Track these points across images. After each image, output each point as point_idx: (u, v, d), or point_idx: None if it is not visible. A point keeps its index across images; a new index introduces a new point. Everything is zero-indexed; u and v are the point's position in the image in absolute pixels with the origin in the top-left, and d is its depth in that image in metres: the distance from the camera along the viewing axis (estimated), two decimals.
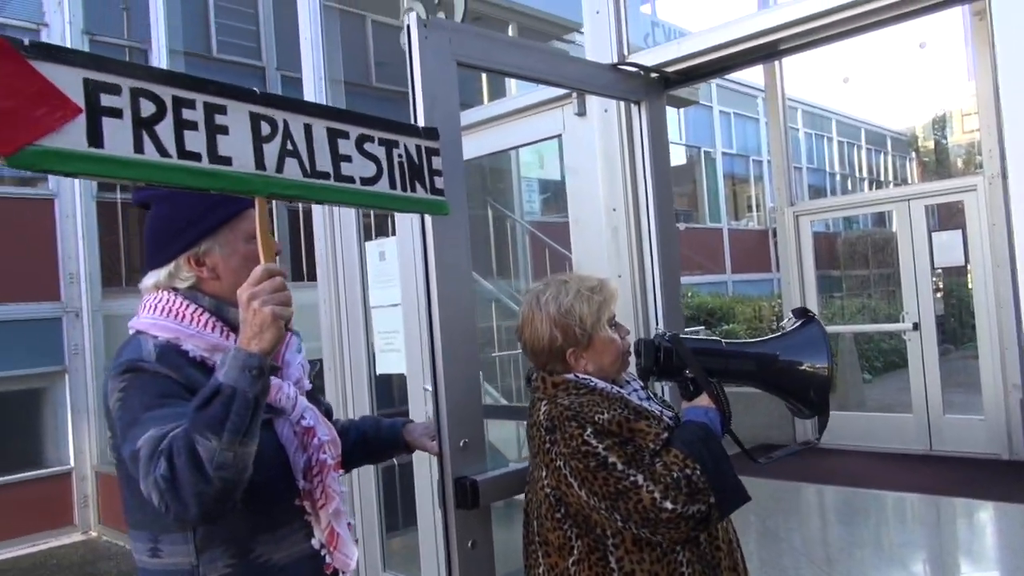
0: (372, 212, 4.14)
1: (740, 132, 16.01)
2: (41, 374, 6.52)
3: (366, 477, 3.76)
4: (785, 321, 1.82)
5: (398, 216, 3.59)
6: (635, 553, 1.57)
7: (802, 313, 1.79)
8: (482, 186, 7.26)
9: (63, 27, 6.57)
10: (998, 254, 6.27)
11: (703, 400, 1.68)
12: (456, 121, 1.85)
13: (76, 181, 6.50)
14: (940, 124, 20.35)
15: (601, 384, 1.69)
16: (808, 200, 7.72)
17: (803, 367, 1.71)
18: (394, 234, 3.67)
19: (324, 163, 1.42)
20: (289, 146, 1.36)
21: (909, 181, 21.28)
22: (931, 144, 21.16)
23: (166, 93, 1.22)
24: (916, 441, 6.76)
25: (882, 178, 20.56)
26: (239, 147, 1.29)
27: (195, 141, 1.24)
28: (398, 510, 4.53)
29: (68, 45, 6.50)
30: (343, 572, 1.56)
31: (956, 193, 6.84)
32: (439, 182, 1.63)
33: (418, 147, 1.60)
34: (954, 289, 10.79)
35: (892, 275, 12.80)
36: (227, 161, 1.28)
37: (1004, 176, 6.31)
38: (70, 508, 6.49)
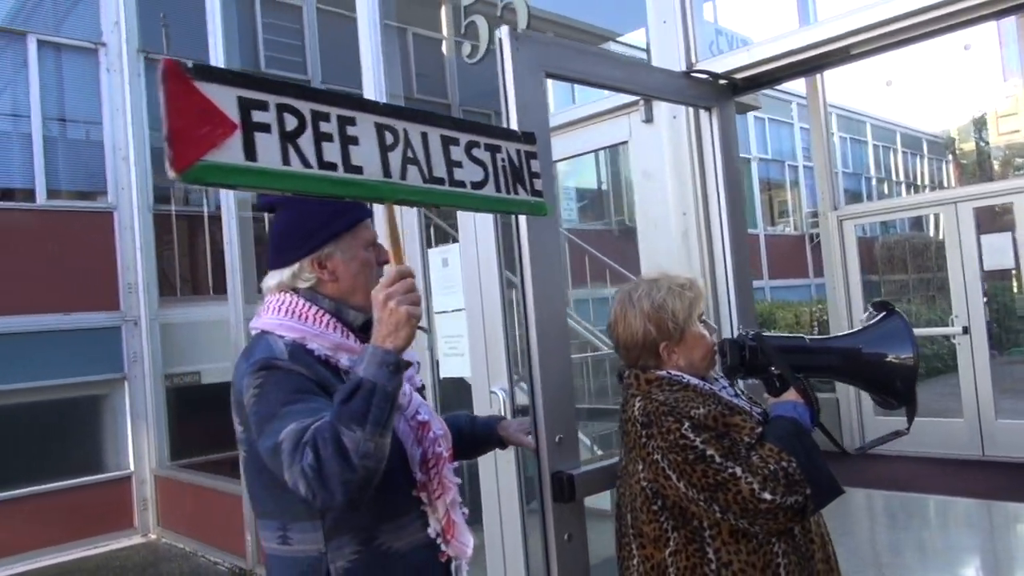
0: (447, 218, 4.24)
1: (775, 137, 15.93)
2: (102, 381, 6.72)
3: None
4: (865, 315, 1.87)
5: (460, 223, 3.68)
6: (732, 544, 1.61)
7: (882, 306, 1.84)
8: None
9: (120, 46, 6.79)
10: None
11: (790, 395, 1.73)
12: (546, 127, 1.94)
13: (134, 194, 6.71)
14: (978, 126, 20.07)
15: (694, 380, 1.75)
16: (845, 205, 7.70)
17: (888, 358, 1.76)
18: (456, 241, 3.75)
19: (440, 169, 1.48)
20: (410, 154, 1.43)
21: (946, 185, 21.00)
22: (969, 146, 20.87)
23: (305, 108, 1.29)
24: (968, 446, 6.69)
25: (919, 182, 20.32)
26: (368, 156, 1.36)
27: (331, 152, 1.31)
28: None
29: (125, 63, 6.73)
30: (457, 559, 1.63)
31: (1005, 195, 6.78)
32: (538, 184, 1.69)
33: (518, 151, 1.66)
34: (997, 293, 10.66)
35: (931, 280, 12.65)
36: (359, 170, 1.34)
37: None
38: (130, 511, 6.67)
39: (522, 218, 1.85)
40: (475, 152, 1.56)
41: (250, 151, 1.21)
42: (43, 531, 6.15)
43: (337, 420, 1.31)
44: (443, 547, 1.59)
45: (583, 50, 2.09)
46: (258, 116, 1.23)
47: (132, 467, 6.73)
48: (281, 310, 1.59)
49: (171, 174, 1.14)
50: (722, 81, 2.54)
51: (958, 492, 5.84)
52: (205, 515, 6.08)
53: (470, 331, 3.61)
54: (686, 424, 1.61)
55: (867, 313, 1.84)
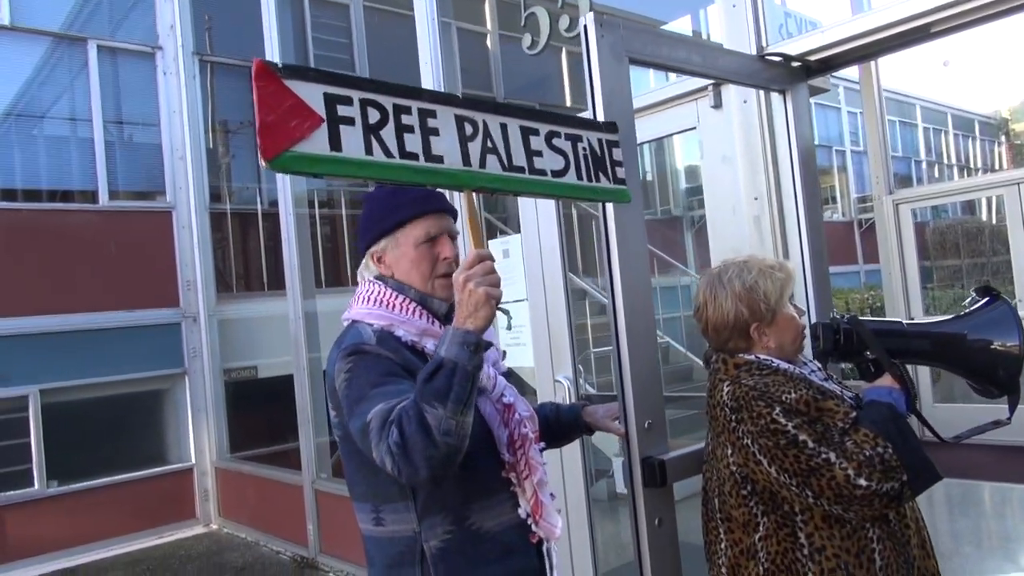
0: (492, 211, 4.27)
1: (821, 122, 15.65)
2: (163, 376, 6.90)
3: None
4: (967, 300, 1.83)
5: (522, 214, 3.70)
6: (825, 529, 1.60)
7: (985, 291, 1.80)
8: None
9: (176, 50, 6.93)
10: None
11: (885, 380, 1.71)
12: (630, 114, 1.93)
13: (191, 193, 6.86)
14: None
15: (784, 365, 1.73)
16: (897, 189, 7.54)
17: (992, 346, 1.72)
18: (504, 233, 3.78)
19: (519, 158, 1.53)
20: (489, 144, 1.49)
21: (997, 167, 20.41)
22: (1022, 127, 20.25)
23: (387, 102, 1.37)
24: (1020, 432, 6.51)
25: (971, 164, 19.78)
26: (448, 146, 1.43)
27: (413, 143, 1.39)
28: None
29: (181, 66, 6.87)
30: (547, 540, 1.65)
31: None
32: (620, 172, 1.72)
33: (599, 140, 1.68)
34: None
35: (986, 264, 12.32)
36: (439, 159, 1.42)
37: None
38: (192, 502, 6.84)
39: (609, 207, 1.85)
40: (555, 141, 1.60)
41: (335, 142, 1.29)
42: (109, 521, 6.34)
43: (420, 398, 1.36)
44: (533, 528, 1.61)
45: (663, 35, 2.09)
46: (343, 110, 1.31)
47: (193, 459, 6.90)
48: (370, 300, 1.65)
49: (262, 164, 1.24)
50: (795, 64, 2.51)
51: (1019, 480, 5.70)
52: (266, 505, 6.22)
53: (533, 321, 3.63)
54: (777, 409, 1.60)
55: (970, 298, 1.81)
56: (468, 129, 1.46)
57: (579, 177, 1.63)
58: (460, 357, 1.35)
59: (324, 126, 1.28)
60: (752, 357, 1.76)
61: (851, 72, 10.16)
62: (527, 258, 3.62)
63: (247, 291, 7.74)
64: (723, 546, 1.74)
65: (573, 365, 3.49)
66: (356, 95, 1.34)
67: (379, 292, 1.65)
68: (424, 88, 1.46)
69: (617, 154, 1.72)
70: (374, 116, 1.35)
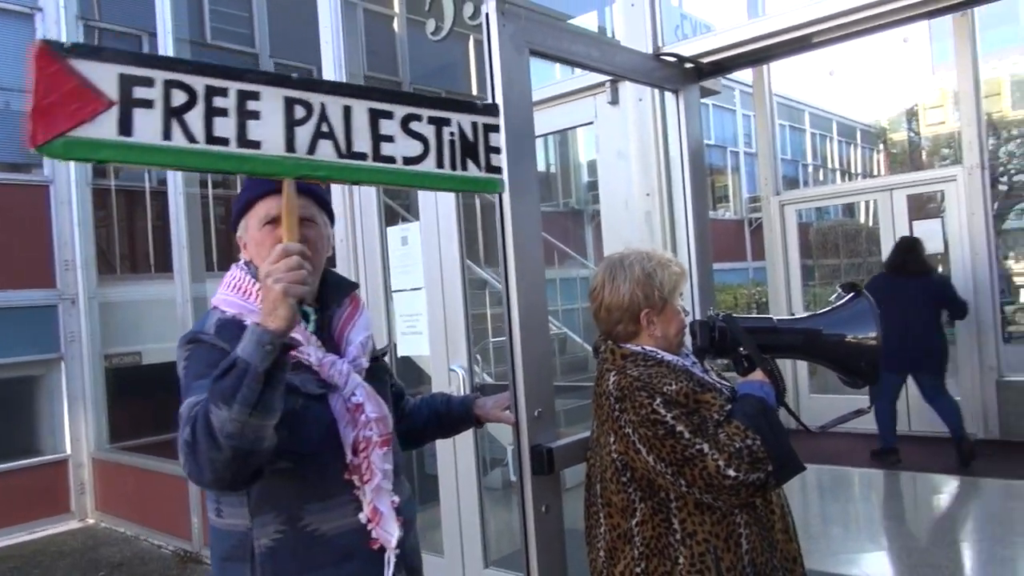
0: (394, 197, 4.22)
1: (717, 124, 16.28)
2: (37, 361, 6.46)
3: None
4: (833, 296, 1.95)
5: (421, 202, 3.68)
6: (697, 515, 1.68)
7: (850, 288, 1.91)
8: None
9: (57, 12, 6.48)
10: (976, 242, 6.54)
11: (757, 375, 1.79)
12: (529, 104, 1.95)
13: (71, 167, 6.44)
14: (908, 117, 20.88)
15: (668, 356, 1.80)
16: (785, 190, 7.94)
17: (851, 338, 1.83)
18: (407, 220, 3.75)
19: (362, 144, 1.44)
20: (324, 128, 1.40)
21: (876, 173, 21.79)
22: (899, 136, 21.69)
23: (199, 83, 1.29)
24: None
25: (852, 169, 21.05)
26: (270, 131, 1.35)
27: (224, 127, 1.31)
28: (416, 488, 4.62)
29: (63, 30, 6.43)
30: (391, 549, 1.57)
31: (937, 183, 7.10)
32: (496, 160, 1.61)
33: (474, 124, 1.58)
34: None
35: (863, 264, 13.16)
36: (255, 145, 1.33)
37: (983, 167, 6.58)
38: (67, 495, 6.46)
39: (506, 197, 1.86)
40: (414, 126, 1.51)
41: (125, 126, 1.22)
42: None
43: (209, 397, 1.31)
44: (373, 533, 1.55)
45: (564, 28, 2.12)
46: (141, 92, 1.24)
47: (68, 450, 6.51)
48: (230, 285, 1.61)
49: (30, 147, 1.16)
50: (688, 65, 2.59)
51: (886, 465, 6.14)
52: (147, 498, 5.94)
53: (429, 310, 3.62)
54: (658, 400, 1.65)
55: (836, 294, 1.92)
56: (299, 112, 1.38)
57: (439, 164, 1.53)
58: (253, 357, 1.28)
59: (115, 109, 1.20)
60: (639, 348, 1.81)
61: (746, 77, 10.60)
62: (425, 246, 3.60)
63: (133, 273, 7.35)
64: (602, 530, 1.80)
65: (468, 354, 3.50)
66: (161, 76, 1.25)
67: (239, 278, 1.61)
68: (253, 69, 1.37)
69: (495, 139, 1.62)
70: (179, 98, 1.27)
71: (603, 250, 2.95)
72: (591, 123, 2.93)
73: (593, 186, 10.17)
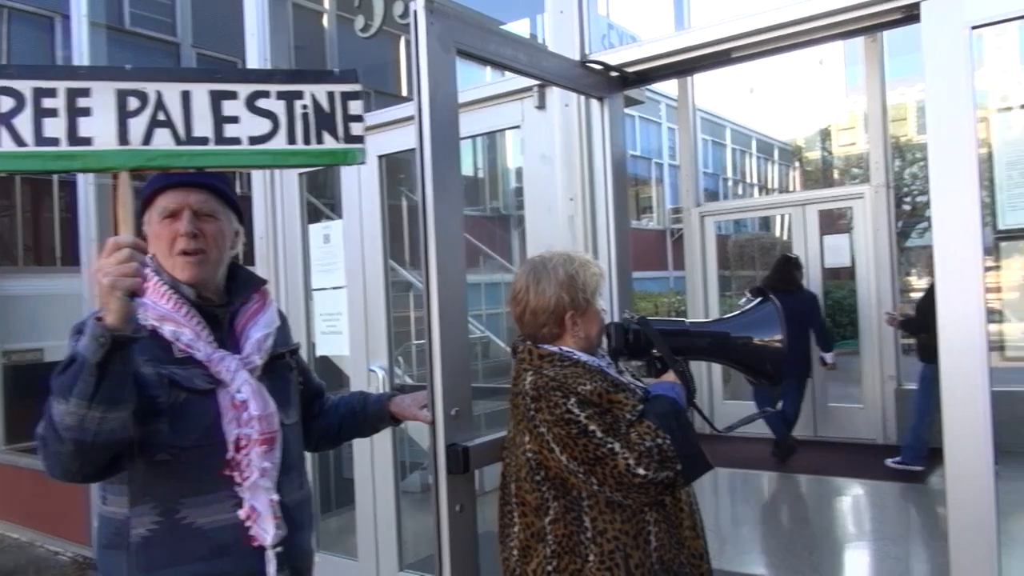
0: (319, 195, 4.14)
1: (643, 135, 16.63)
2: None
3: None
4: (743, 300, 2.02)
5: (344, 199, 3.62)
6: (607, 514, 1.70)
7: (759, 292, 1.99)
8: (398, 177, 7.30)
9: None
10: (880, 257, 6.89)
11: (669, 376, 1.84)
12: (454, 104, 1.95)
13: None
14: (822, 137, 21.85)
15: (584, 357, 1.82)
16: (705, 203, 8.19)
17: (759, 341, 1.89)
18: (329, 218, 3.69)
19: (203, 128, 1.43)
20: (160, 116, 1.40)
21: (791, 189, 22.70)
22: (813, 155, 22.68)
23: (25, 87, 1.31)
24: (803, 428, 7.30)
25: (769, 185, 21.86)
26: (101, 126, 1.36)
27: (54, 127, 1.33)
28: (331, 491, 4.55)
29: None
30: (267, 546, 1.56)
31: (846, 200, 7.45)
32: (357, 128, 1.56)
33: (330, 94, 1.54)
34: (831, 290, 11.64)
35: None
36: (87, 141, 1.34)
37: (888, 187, 6.93)
38: None
39: (428, 194, 1.85)
40: (261, 103, 1.49)
41: None
42: None
43: (52, 391, 1.33)
44: (251, 530, 1.54)
45: (492, 30, 2.12)
46: None
47: None
48: None
49: None
50: (614, 73, 2.64)
51: (796, 469, 6.39)
52: (44, 502, 5.63)
53: (350, 309, 3.57)
54: (572, 399, 1.68)
55: (745, 299, 1.99)
56: (133, 104, 1.38)
57: (291, 140, 1.50)
58: (88, 351, 1.29)
59: None
60: (556, 349, 1.83)
61: (672, 91, 10.86)
62: (348, 244, 3.55)
63: (37, 266, 6.98)
64: (516, 529, 1.81)
65: (389, 355, 3.47)
66: None
67: None
68: (85, 66, 1.41)
69: (355, 107, 1.56)
70: (6, 104, 1.30)
71: (527, 254, 2.97)
72: (518, 127, 2.95)
73: (520, 191, 10.19)
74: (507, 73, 2.86)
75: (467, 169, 11.27)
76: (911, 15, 2.16)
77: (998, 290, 2.07)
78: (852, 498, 5.96)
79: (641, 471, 1.61)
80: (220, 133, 1.44)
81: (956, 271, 1.97)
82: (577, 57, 2.71)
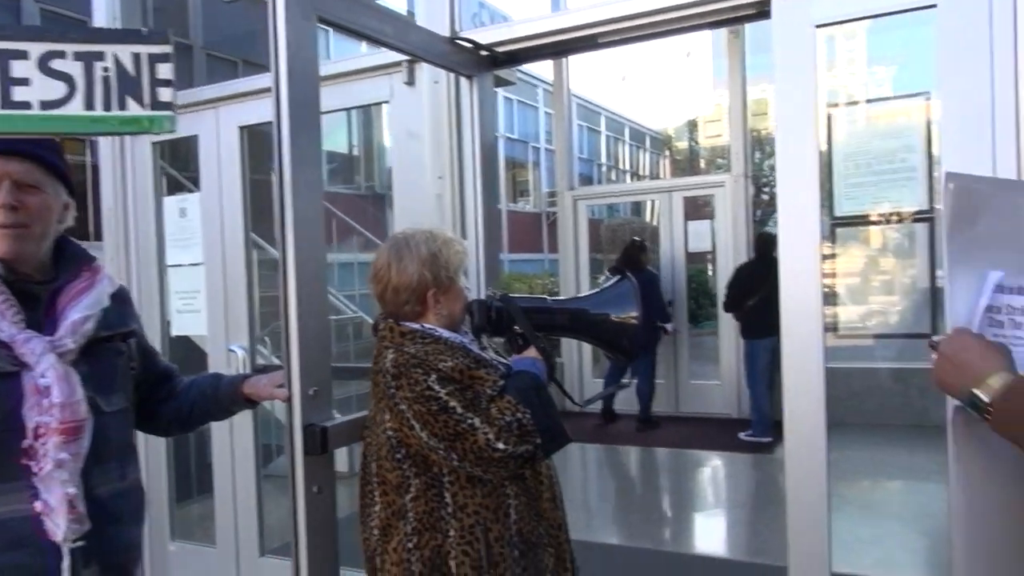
0: (180, 169, 3.91)
1: (521, 119, 16.77)
2: None
3: (155, 444, 3.57)
4: (602, 279, 2.08)
5: (203, 170, 3.44)
6: (468, 489, 1.72)
7: (617, 271, 2.06)
8: (268, 152, 7.00)
9: None
10: (739, 243, 7.29)
11: (531, 352, 1.86)
12: (314, 74, 1.88)
13: None
14: (690, 128, 22.79)
15: (446, 334, 1.82)
16: (579, 187, 8.39)
17: (615, 317, 1.95)
18: (193, 190, 3.50)
19: None
20: None
21: (662, 176, 23.62)
22: (682, 145, 23.64)
23: None
24: (666, 404, 7.66)
25: (641, 172, 22.64)
26: None
27: None
28: (191, 478, 4.34)
29: None
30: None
31: (709, 188, 7.82)
32: (165, 94, 1.46)
33: (136, 56, 1.43)
34: (694, 274, 12.21)
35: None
36: None
37: (747, 176, 7.33)
38: None
39: (286, 164, 1.78)
40: (55, 64, 1.37)
41: None
42: None
43: None
44: (47, 523, 1.45)
45: (359, 1, 2.05)
46: None
47: None
48: None
49: None
50: (484, 52, 2.63)
51: (657, 443, 6.71)
52: None
53: (208, 287, 3.41)
54: (433, 376, 1.67)
55: (604, 277, 2.04)
56: None
57: (89, 106, 1.39)
58: None
59: None
60: (417, 326, 1.81)
61: (550, 75, 10.99)
62: (206, 219, 3.37)
63: None
64: (377, 508, 1.79)
65: (250, 335, 3.34)
66: None
67: None
68: None
69: (164, 71, 1.45)
70: None
71: (395, 231, 2.93)
72: (387, 102, 2.89)
73: None
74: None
75: (342, 146, 10.98)
76: (763, 11, 2.27)
77: (834, 275, 2.22)
78: (710, 469, 6.31)
79: (501, 445, 1.63)
80: (7, 96, 1.31)
81: (796, 255, 2.10)
82: (447, 34, 2.68)
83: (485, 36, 2.62)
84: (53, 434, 1.43)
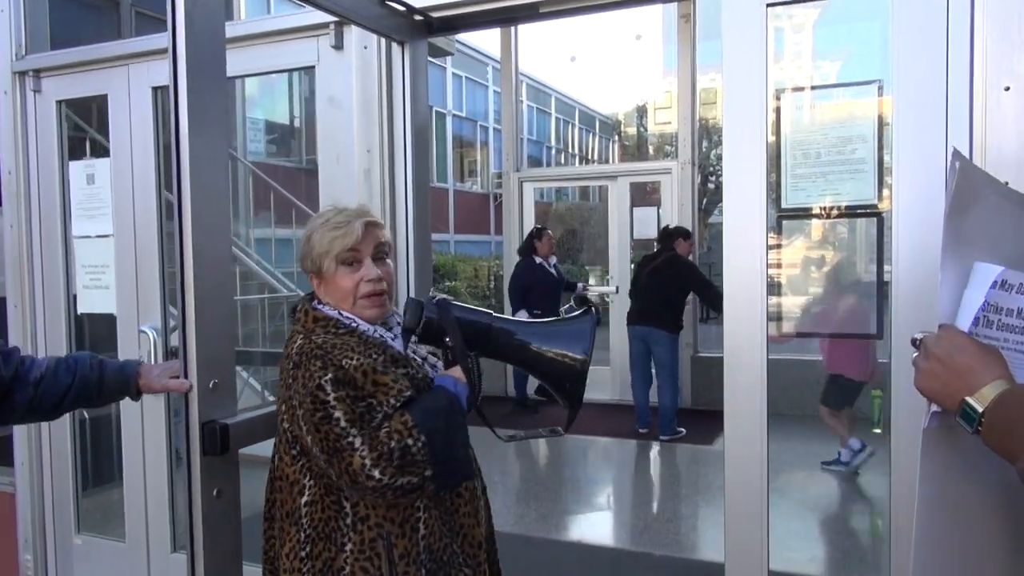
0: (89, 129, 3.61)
1: (470, 97, 16.48)
2: None
3: (59, 429, 3.31)
4: (565, 308, 1.89)
5: (113, 134, 3.16)
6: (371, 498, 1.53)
7: (582, 302, 1.85)
8: None
9: None
10: None
11: (457, 371, 1.62)
12: (220, 28, 1.69)
13: None
14: (640, 113, 22.81)
15: (365, 326, 1.64)
16: (527, 168, 8.26)
17: (560, 355, 1.66)
18: (108, 155, 3.23)
19: None
20: None
21: (610, 161, 23.63)
22: (631, 130, 23.67)
23: None
24: (611, 391, 7.61)
25: (590, 156, 22.58)
26: None
27: None
28: (89, 466, 4.06)
29: None
30: None
31: (656, 174, 7.75)
32: None
33: None
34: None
35: (591, 244, 14.19)
36: None
37: (694, 164, 7.28)
38: None
39: (183, 130, 1.58)
40: None
41: None
42: None
43: None
44: None
45: None
46: None
47: None
48: None
49: None
50: (417, 17, 2.45)
51: (602, 432, 6.64)
52: None
53: (118, 262, 3.15)
54: (329, 375, 1.48)
55: (568, 306, 1.83)
56: None
57: None
58: None
59: None
60: (335, 313, 1.64)
61: (498, 52, 10.77)
62: (117, 187, 3.11)
63: None
64: (277, 505, 1.64)
65: (163, 315, 3.10)
66: None
67: None
68: None
69: None
70: None
71: (320, 208, 2.73)
72: (313, 67, 2.68)
73: None
74: (306, 7, 2.58)
75: (283, 117, 10.59)
76: None
77: (779, 266, 2.12)
78: (645, 459, 6.29)
79: (376, 474, 1.42)
80: None
81: (742, 246, 1.99)
82: None
83: (419, 0, 2.43)
84: None
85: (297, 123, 10.25)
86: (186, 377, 1.66)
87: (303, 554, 1.55)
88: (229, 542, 1.74)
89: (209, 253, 1.67)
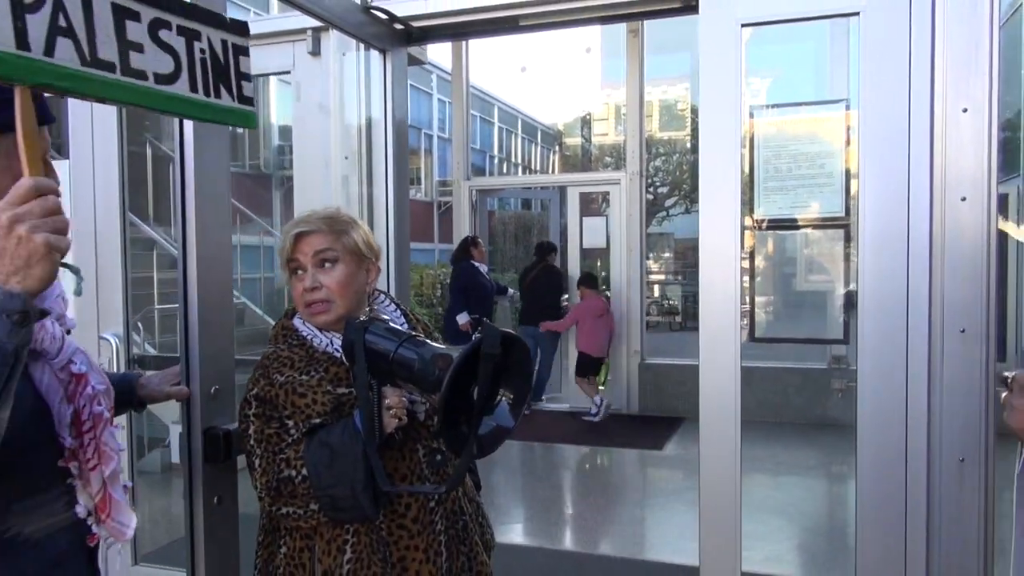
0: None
1: (415, 105, 16.47)
2: None
3: None
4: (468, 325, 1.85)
5: (72, 136, 3.08)
6: None
7: (477, 323, 1.75)
8: (143, 124, 6.50)
9: None
10: (632, 239, 7.41)
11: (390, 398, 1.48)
12: None
13: None
14: (582, 124, 23.13)
15: (320, 339, 1.58)
16: (475, 177, 8.31)
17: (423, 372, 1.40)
18: (67, 157, 3.14)
19: (109, 51, 1.11)
20: (62, 21, 1.04)
21: (551, 171, 23.90)
22: (573, 141, 23.98)
23: None
24: (561, 400, 7.70)
25: (532, 166, 22.79)
26: None
27: None
28: None
29: None
30: (110, 541, 1.30)
31: (605, 184, 7.91)
32: (248, 89, 1.35)
33: (224, 43, 1.31)
34: (590, 270, 12.40)
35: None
36: None
37: (642, 175, 7.46)
38: None
39: (188, 137, 1.57)
40: (163, 35, 1.19)
41: None
42: None
43: None
44: (94, 528, 1.23)
45: None
46: None
47: None
48: None
49: None
50: (399, 26, 2.48)
51: (542, 438, 6.72)
52: None
53: (79, 267, 3.06)
54: (255, 390, 1.52)
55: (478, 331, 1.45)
56: None
57: (193, 88, 1.23)
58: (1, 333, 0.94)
59: None
60: (299, 324, 1.61)
61: (446, 62, 10.82)
62: (76, 191, 3.02)
63: None
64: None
65: (125, 321, 3.02)
66: None
67: None
68: None
69: (245, 64, 1.35)
70: None
71: (295, 214, 2.72)
72: (289, 72, 2.68)
73: (284, 150, 9.64)
74: (282, 12, 2.58)
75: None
76: (689, 5, 2.24)
77: (752, 276, 2.22)
78: (592, 464, 6.38)
79: (264, 496, 1.49)
80: (126, 62, 1.10)
81: (716, 257, 2.07)
82: (360, 1, 2.51)
83: (401, 8, 2.47)
84: (106, 425, 1.23)
85: (240, 129, 10.08)
86: (187, 384, 1.65)
87: (259, 539, 1.61)
88: (229, 547, 1.73)
89: (211, 259, 1.66)
